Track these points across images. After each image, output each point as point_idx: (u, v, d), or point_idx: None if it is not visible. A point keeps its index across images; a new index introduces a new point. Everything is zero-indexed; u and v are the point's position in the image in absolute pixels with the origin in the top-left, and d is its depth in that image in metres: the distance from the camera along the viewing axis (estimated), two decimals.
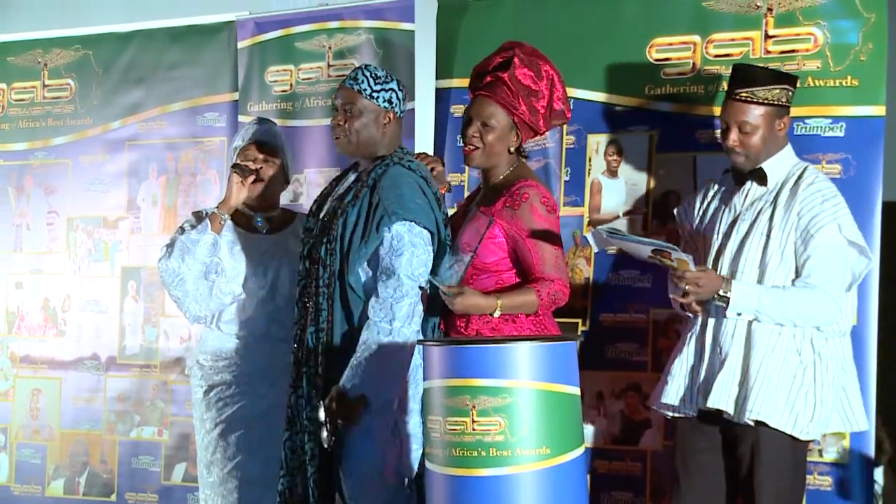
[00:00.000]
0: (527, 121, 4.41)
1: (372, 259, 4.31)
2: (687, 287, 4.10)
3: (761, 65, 4.57)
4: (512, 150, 4.44)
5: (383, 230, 4.27)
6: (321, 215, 4.50)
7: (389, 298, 4.21)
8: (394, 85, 4.46)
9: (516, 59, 4.42)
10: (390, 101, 4.44)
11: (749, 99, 4.22)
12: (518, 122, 4.41)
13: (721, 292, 4.10)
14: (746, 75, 4.28)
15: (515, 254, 4.34)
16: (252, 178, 4.73)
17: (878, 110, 4.63)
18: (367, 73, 4.47)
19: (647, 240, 4.18)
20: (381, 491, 4.35)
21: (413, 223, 4.27)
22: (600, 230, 4.20)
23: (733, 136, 4.24)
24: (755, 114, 4.22)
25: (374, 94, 4.43)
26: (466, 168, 5.21)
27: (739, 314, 4.13)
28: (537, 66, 4.43)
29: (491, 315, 4.26)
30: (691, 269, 4.09)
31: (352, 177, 4.57)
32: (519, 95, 4.39)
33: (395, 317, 4.20)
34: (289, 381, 4.46)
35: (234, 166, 4.75)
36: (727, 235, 4.28)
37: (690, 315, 4.34)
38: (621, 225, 5.02)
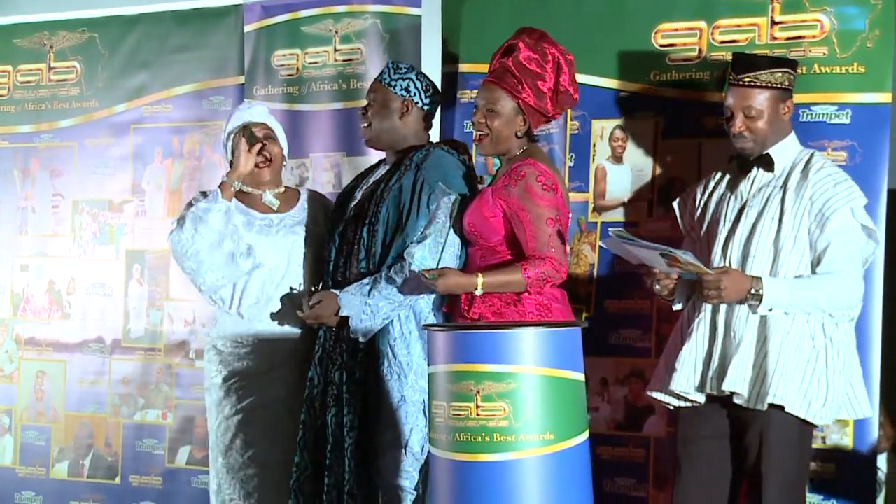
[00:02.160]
0: (532, 105, 4.43)
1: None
2: (709, 292, 4.11)
3: (762, 52, 4.58)
4: (520, 134, 4.46)
5: (431, 205, 4.46)
6: (355, 202, 4.61)
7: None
8: (412, 75, 4.67)
9: (521, 44, 4.44)
10: (407, 90, 4.63)
11: (753, 83, 4.24)
12: (523, 105, 4.43)
13: (753, 291, 4.10)
14: (748, 61, 4.31)
15: (514, 233, 4.37)
16: (259, 146, 4.75)
17: (885, 97, 4.62)
18: (390, 66, 4.73)
19: (653, 244, 4.18)
20: (408, 466, 4.48)
21: (458, 197, 4.48)
22: (611, 234, 4.21)
23: (739, 121, 4.26)
24: (759, 98, 4.24)
25: (392, 83, 4.63)
26: (473, 151, 5.21)
27: (771, 310, 4.13)
28: (542, 50, 4.45)
29: (473, 293, 4.32)
30: (708, 272, 4.10)
31: (383, 169, 4.74)
32: (523, 80, 4.40)
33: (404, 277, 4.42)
34: (321, 356, 4.61)
35: (244, 129, 4.76)
36: (735, 223, 4.28)
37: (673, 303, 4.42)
38: (625, 211, 5.04)
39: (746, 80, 4.26)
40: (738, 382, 4.13)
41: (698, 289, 4.21)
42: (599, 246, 4.99)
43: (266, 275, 4.76)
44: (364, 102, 4.78)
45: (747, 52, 4.56)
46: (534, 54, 4.43)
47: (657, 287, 4.34)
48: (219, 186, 4.74)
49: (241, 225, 4.76)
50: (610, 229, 4.21)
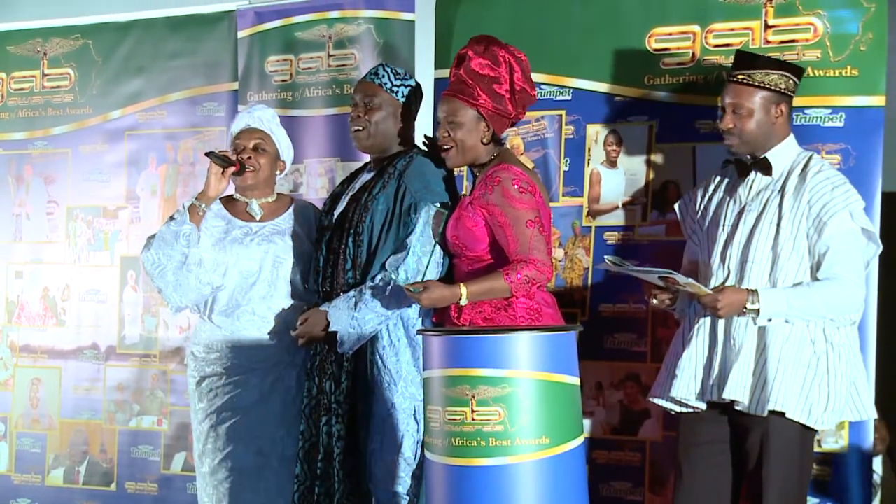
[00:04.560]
0: (492, 109, 4.42)
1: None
2: (707, 309, 4.15)
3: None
4: (485, 141, 4.45)
5: (413, 215, 4.43)
6: (339, 211, 4.59)
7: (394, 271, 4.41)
8: (412, 83, 4.68)
9: (470, 52, 4.44)
10: (407, 97, 4.63)
11: (745, 81, 4.25)
12: (483, 112, 4.43)
13: (749, 305, 4.10)
14: (746, 59, 4.32)
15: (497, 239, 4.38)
16: (232, 169, 4.72)
17: (878, 100, 4.63)
18: (388, 69, 4.67)
19: (651, 269, 4.19)
20: (401, 472, 4.47)
21: (439, 205, 4.47)
22: (606, 260, 4.22)
23: (728, 117, 4.27)
24: (751, 97, 4.24)
25: (395, 89, 4.60)
26: None
27: (770, 320, 4.13)
28: (493, 53, 4.43)
29: (458, 303, 4.31)
30: (706, 292, 4.11)
31: (367, 175, 4.71)
32: (477, 86, 4.40)
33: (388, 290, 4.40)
34: (310, 367, 4.61)
35: (211, 155, 4.72)
36: (734, 227, 4.27)
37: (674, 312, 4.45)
38: (619, 215, 5.04)
39: (740, 76, 4.27)
40: (738, 390, 4.13)
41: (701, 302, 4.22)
42: (594, 250, 4.99)
43: (236, 283, 4.75)
44: None
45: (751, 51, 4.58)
46: (484, 59, 4.42)
47: (654, 302, 4.35)
48: (188, 208, 4.71)
49: (216, 234, 4.74)
50: (605, 256, 4.21)
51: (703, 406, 4.28)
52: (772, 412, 4.09)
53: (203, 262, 4.71)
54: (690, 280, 4.13)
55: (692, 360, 4.27)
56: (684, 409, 4.35)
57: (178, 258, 4.67)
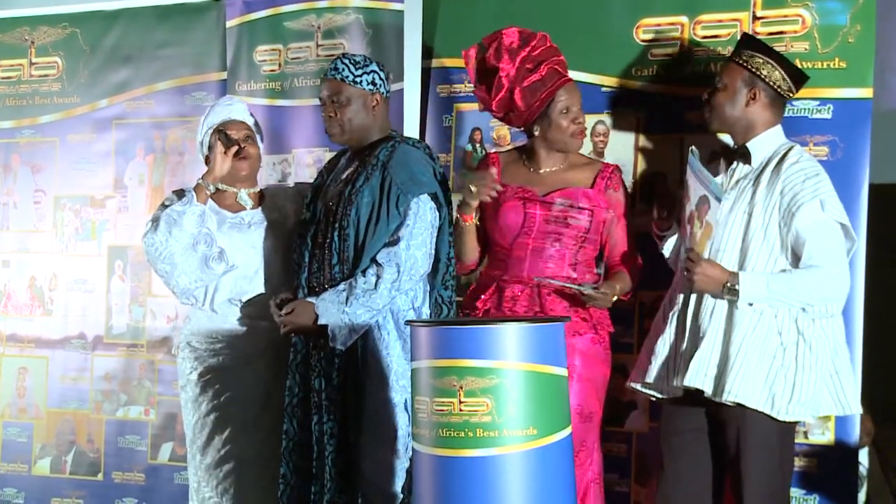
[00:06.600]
0: None
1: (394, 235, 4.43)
2: (687, 271, 4.14)
3: None
4: None
5: (402, 207, 4.40)
6: (324, 202, 4.55)
7: (393, 263, 4.37)
8: (374, 67, 4.57)
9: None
10: (374, 83, 4.54)
11: (734, 59, 4.32)
12: None
13: (729, 285, 4.10)
14: (745, 41, 4.38)
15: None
16: (235, 148, 4.72)
17: (866, 92, 4.64)
18: (346, 61, 4.58)
19: (708, 183, 4.17)
20: (395, 466, 4.47)
21: (427, 196, 4.43)
22: (692, 150, 4.27)
23: (708, 90, 4.34)
24: (732, 74, 4.30)
25: (357, 80, 4.52)
26: (452, 148, 5.23)
27: (751, 304, 4.12)
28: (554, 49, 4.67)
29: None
30: (702, 251, 4.11)
31: (345, 163, 4.67)
32: None
33: (385, 282, 4.37)
34: (298, 363, 4.57)
35: (218, 132, 4.72)
36: None
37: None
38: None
39: (733, 55, 4.33)
40: (697, 378, 4.14)
41: (687, 263, 4.20)
42: None
43: (239, 271, 4.75)
44: None
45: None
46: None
47: (654, 216, 4.55)
48: (193, 189, 4.71)
49: (213, 225, 4.74)
50: (692, 147, 4.26)
51: (678, 393, 4.28)
52: (739, 403, 4.10)
53: (216, 240, 4.70)
54: (709, 220, 4.14)
55: (664, 347, 4.30)
56: (663, 396, 4.36)
57: (187, 240, 4.65)
